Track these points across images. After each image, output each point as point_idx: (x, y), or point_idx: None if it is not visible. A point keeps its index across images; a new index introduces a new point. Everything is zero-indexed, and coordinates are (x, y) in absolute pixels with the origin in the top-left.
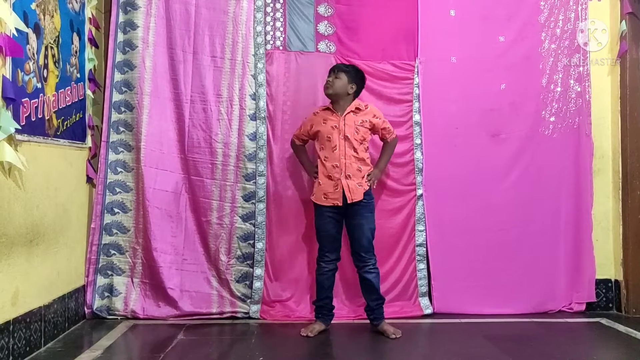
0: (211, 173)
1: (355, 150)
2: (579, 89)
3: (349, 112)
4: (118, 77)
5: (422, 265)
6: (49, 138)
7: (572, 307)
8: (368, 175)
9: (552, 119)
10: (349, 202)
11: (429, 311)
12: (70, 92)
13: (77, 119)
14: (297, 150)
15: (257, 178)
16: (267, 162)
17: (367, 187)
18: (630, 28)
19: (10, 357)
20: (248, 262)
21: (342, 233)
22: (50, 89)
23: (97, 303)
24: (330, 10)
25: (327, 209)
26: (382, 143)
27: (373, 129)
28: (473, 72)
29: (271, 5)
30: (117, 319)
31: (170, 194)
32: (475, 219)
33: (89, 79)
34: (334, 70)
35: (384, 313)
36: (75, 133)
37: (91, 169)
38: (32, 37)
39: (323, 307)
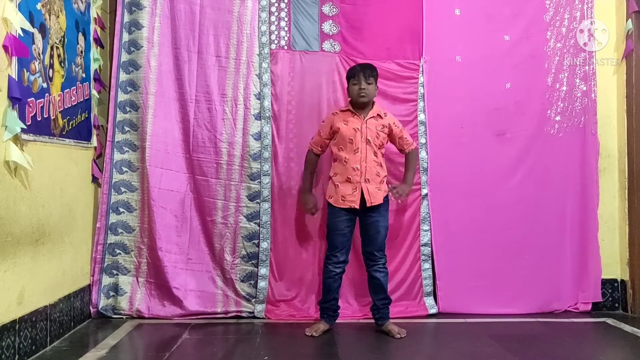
0: (216, 172)
1: (375, 154)
2: (584, 88)
3: (370, 117)
4: (123, 76)
5: (427, 265)
6: (55, 138)
7: (578, 307)
8: (394, 189)
9: (558, 118)
10: (368, 205)
11: (433, 311)
12: (76, 92)
13: (82, 118)
14: (310, 163)
15: (261, 177)
16: (272, 162)
17: (387, 192)
18: (636, 27)
19: (17, 356)
20: (253, 261)
21: (353, 234)
22: (55, 89)
23: (103, 302)
24: (334, 9)
25: (344, 210)
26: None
27: (390, 136)
28: (478, 71)
29: (276, 4)
30: (122, 318)
31: (175, 194)
32: (481, 218)
33: (95, 79)
34: (364, 75)
35: (389, 313)
36: (80, 133)
37: (96, 168)
38: (38, 37)
39: (329, 308)
